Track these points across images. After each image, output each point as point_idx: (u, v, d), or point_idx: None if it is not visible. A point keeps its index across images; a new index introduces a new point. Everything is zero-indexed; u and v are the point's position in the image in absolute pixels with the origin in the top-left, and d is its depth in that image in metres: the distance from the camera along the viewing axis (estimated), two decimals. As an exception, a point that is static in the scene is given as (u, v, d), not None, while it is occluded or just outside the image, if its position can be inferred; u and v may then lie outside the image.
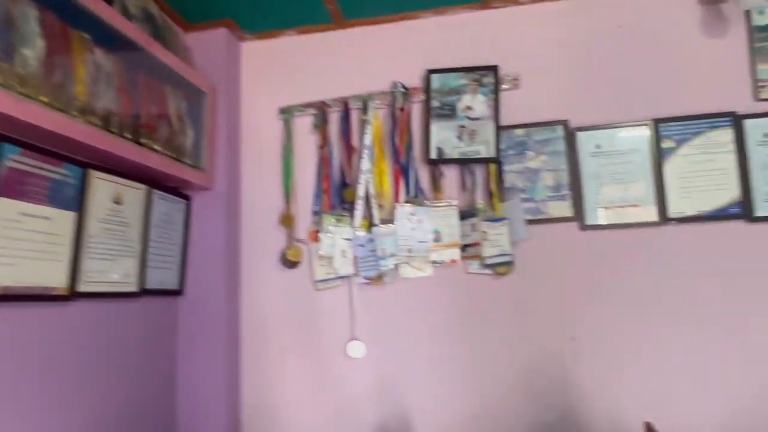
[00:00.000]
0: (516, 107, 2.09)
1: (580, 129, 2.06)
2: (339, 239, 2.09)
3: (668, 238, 1.97)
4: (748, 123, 1.97)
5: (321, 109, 2.22)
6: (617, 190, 2.02)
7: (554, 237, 2.03)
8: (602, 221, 2.02)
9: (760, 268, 1.91)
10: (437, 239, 2.04)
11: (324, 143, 2.20)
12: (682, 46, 2.05)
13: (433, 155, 2.08)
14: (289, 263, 2.17)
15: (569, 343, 1.97)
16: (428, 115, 2.11)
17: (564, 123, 2.08)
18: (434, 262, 2.05)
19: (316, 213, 2.18)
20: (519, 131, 2.09)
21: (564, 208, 2.04)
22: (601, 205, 2.03)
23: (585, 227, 2.03)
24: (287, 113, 2.26)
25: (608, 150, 2.04)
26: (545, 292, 2.01)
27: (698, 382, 1.90)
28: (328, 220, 2.11)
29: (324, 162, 2.19)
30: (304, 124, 2.26)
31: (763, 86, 1.99)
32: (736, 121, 1.98)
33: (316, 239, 2.13)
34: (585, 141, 2.06)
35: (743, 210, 1.94)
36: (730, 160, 1.97)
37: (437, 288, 2.07)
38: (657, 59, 2.05)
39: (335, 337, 2.13)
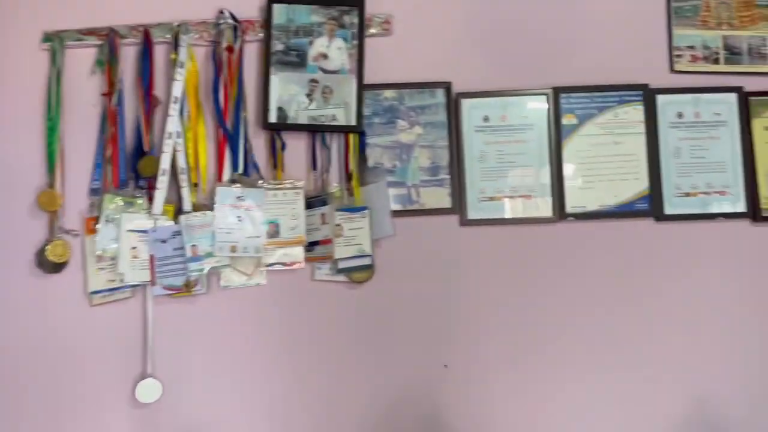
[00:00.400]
0: (386, 60, 1.80)
1: (466, 95, 1.79)
2: (128, 231, 1.73)
3: (564, 238, 1.77)
4: (661, 99, 1.77)
5: (108, 39, 1.80)
6: (507, 177, 1.79)
7: (428, 234, 1.79)
8: (487, 215, 1.77)
9: (668, 278, 1.74)
10: (274, 234, 1.76)
11: (111, 90, 1.78)
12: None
13: (273, 118, 1.78)
14: (51, 265, 1.75)
15: (442, 371, 1.75)
16: (267, 61, 1.78)
17: (446, 86, 1.79)
18: (269, 265, 1.76)
19: (94, 192, 1.78)
20: (388, 93, 1.80)
21: (441, 197, 1.78)
22: (486, 194, 1.77)
23: (466, 222, 1.77)
24: (56, 41, 1.80)
25: (497, 124, 1.79)
26: (413, 305, 1.77)
27: (599, 417, 1.73)
28: (113, 203, 1.74)
29: (110, 117, 1.78)
30: (81, 58, 1.81)
31: (679, 55, 1.78)
32: (648, 95, 1.77)
33: (93, 231, 1.74)
34: (470, 111, 1.78)
35: (651, 206, 1.76)
36: (639, 144, 1.77)
37: (271, 300, 1.77)
38: (562, 13, 1.82)
39: (118, 375, 1.74)
